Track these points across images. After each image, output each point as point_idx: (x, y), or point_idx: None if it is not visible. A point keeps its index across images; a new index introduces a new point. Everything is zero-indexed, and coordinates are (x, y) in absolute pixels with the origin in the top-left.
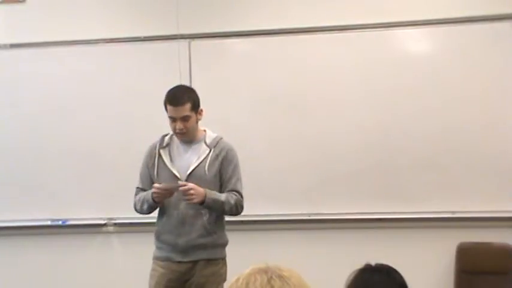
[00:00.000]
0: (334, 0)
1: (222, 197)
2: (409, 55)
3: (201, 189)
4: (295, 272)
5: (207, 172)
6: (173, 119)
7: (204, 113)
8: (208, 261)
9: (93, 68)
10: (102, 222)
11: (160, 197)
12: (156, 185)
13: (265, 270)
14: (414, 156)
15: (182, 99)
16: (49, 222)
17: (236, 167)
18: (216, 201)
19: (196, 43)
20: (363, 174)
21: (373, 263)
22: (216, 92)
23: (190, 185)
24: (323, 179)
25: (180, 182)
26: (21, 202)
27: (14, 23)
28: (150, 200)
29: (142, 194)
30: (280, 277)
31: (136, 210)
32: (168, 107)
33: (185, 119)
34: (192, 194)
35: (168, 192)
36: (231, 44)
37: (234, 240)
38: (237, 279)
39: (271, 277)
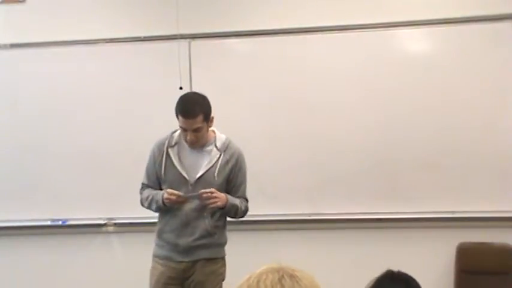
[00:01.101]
0: (334, 0)
1: (237, 202)
2: (409, 55)
3: (222, 194)
4: (308, 274)
5: (216, 177)
6: (184, 129)
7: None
8: (209, 260)
9: (93, 68)
10: (102, 222)
11: (172, 204)
12: (169, 190)
13: (277, 270)
14: (414, 156)
15: (194, 112)
16: (49, 222)
17: (245, 173)
18: (234, 206)
19: (196, 43)
20: (363, 174)
21: (394, 269)
22: (216, 92)
23: (212, 189)
24: (323, 179)
25: (201, 191)
26: (21, 202)
27: (14, 23)
28: (160, 203)
29: (152, 193)
30: (292, 277)
31: (143, 205)
32: (180, 117)
33: (197, 130)
34: (215, 198)
35: (182, 201)
36: (231, 44)
37: (234, 240)
38: (249, 278)
39: (283, 276)
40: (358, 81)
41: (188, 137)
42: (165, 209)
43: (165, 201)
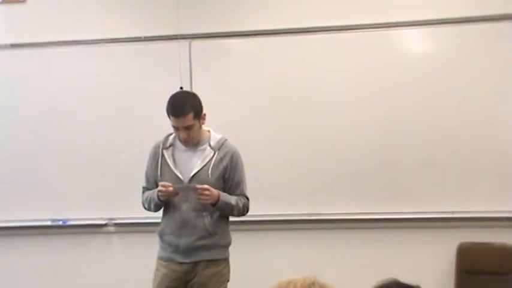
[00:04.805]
0: (334, 0)
1: (233, 200)
2: (409, 55)
3: (215, 191)
4: None
5: (210, 175)
6: (176, 128)
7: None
8: (210, 261)
9: (93, 68)
10: (103, 222)
11: (165, 196)
12: (163, 183)
13: (309, 278)
14: (414, 156)
15: (184, 110)
16: (49, 223)
17: (242, 171)
18: (228, 204)
19: (196, 43)
20: (364, 174)
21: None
22: (217, 92)
23: (206, 186)
24: (324, 179)
25: (195, 185)
26: (22, 202)
27: (15, 23)
28: (156, 199)
29: (149, 193)
30: (322, 286)
31: (145, 208)
32: (171, 117)
33: (188, 128)
34: (207, 195)
35: (174, 192)
36: (231, 44)
37: (235, 240)
38: (282, 280)
39: (313, 283)
40: (358, 81)
41: (181, 136)
42: (161, 205)
43: (159, 193)
